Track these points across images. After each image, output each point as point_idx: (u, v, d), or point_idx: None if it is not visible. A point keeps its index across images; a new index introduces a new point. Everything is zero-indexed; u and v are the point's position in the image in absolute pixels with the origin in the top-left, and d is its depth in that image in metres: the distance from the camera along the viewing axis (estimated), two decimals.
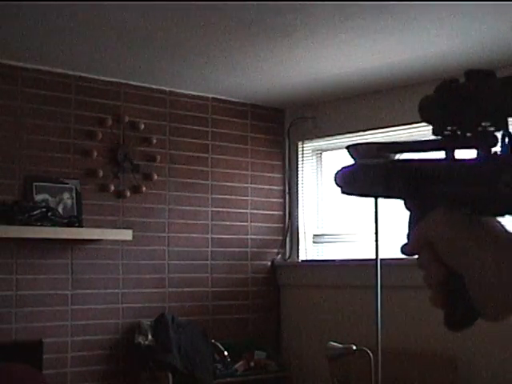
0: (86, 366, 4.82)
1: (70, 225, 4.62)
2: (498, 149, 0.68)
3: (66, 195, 4.77)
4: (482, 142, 0.68)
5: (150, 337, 4.90)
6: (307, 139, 5.85)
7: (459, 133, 0.71)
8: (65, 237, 4.61)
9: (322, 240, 5.78)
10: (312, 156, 5.88)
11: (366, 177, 0.75)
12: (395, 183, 0.75)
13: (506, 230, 0.68)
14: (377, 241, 4.31)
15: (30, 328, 4.60)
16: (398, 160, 0.75)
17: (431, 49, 4.42)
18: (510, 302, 0.66)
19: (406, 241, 0.78)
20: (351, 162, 0.79)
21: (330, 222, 5.71)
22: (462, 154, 0.72)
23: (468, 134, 0.70)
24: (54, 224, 4.53)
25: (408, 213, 0.79)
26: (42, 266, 4.68)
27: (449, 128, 0.71)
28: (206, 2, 3.69)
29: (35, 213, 4.47)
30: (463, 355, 4.60)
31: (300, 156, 5.89)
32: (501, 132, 0.68)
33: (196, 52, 4.51)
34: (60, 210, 4.68)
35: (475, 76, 0.70)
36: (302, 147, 5.90)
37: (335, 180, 0.79)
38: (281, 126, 5.92)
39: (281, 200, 5.87)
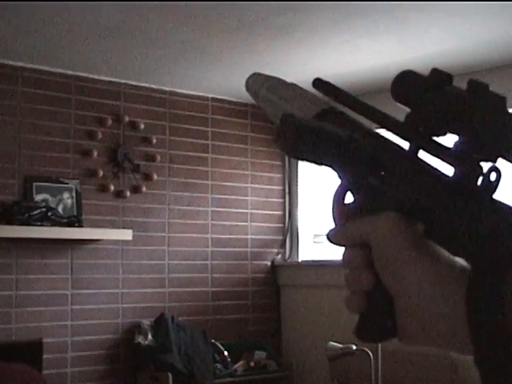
0: (86, 365, 4.82)
1: (70, 225, 4.62)
2: (478, 181, 0.61)
3: (65, 195, 4.77)
4: (465, 168, 0.61)
5: (150, 337, 4.90)
6: None
7: (437, 140, 0.63)
8: (65, 237, 4.61)
9: (322, 240, 5.77)
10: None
11: (319, 144, 0.64)
12: (345, 161, 0.65)
13: (452, 261, 0.62)
14: None
15: (29, 328, 4.60)
16: (356, 137, 0.66)
17: (431, 49, 4.42)
18: (441, 335, 0.61)
19: (333, 223, 0.69)
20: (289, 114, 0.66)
21: (330, 221, 5.70)
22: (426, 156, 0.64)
23: (449, 149, 0.62)
24: (54, 224, 4.53)
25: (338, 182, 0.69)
26: (42, 266, 4.68)
27: (424, 128, 0.64)
28: (206, 2, 3.69)
29: (35, 213, 4.47)
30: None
31: None
32: (488, 164, 0.60)
33: (196, 52, 4.51)
34: (60, 209, 4.68)
35: (484, 95, 0.60)
36: None
37: (289, 144, 0.65)
38: None
39: (281, 200, 5.87)
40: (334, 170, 0.68)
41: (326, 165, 0.66)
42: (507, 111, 0.60)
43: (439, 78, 0.63)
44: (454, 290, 0.60)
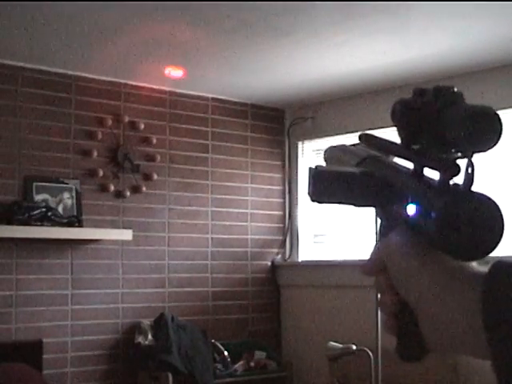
0: (85, 365, 4.82)
1: (70, 225, 4.62)
2: (460, 179, 0.64)
3: (66, 195, 4.77)
4: (444, 170, 0.65)
5: (150, 337, 4.90)
6: (307, 139, 5.85)
7: (427, 151, 0.68)
8: (65, 237, 4.61)
9: (322, 240, 5.77)
10: (312, 156, 5.88)
11: (337, 186, 0.72)
12: (360, 195, 0.72)
13: (462, 265, 0.63)
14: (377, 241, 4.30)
15: (29, 328, 4.60)
16: (368, 171, 0.72)
17: (431, 49, 4.42)
18: (460, 342, 0.62)
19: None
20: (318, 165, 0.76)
21: (330, 221, 5.71)
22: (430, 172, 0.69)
23: (430, 156, 0.67)
24: (54, 224, 4.53)
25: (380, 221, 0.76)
26: (42, 266, 4.68)
27: (417, 143, 0.68)
28: (207, 2, 3.69)
29: (35, 213, 4.47)
30: (463, 356, 4.59)
31: (300, 156, 5.90)
32: (466, 161, 0.64)
33: (196, 52, 4.51)
34: (60, 210, 4.68)
35: (443, 96, 0.65)
36: (302, 147, 5.90)
37: (310, 191, 0.73)
38: (281, 125, 5.92)
39: (281, 200, 5.87)
40: (362, 207, 0.74)
41: (352, 203, 0.73)
42: (462, 104, 0.64)
43: (415, 95, 0.69)
44: (467, 294, 0.61)
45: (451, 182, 0.65)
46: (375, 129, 5.27)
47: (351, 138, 5.41)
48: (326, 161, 0.87)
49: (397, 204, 0.70)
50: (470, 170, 0.64)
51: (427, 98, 0.68)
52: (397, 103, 0.70)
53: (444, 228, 0.62)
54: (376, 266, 0.70)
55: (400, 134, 0.70)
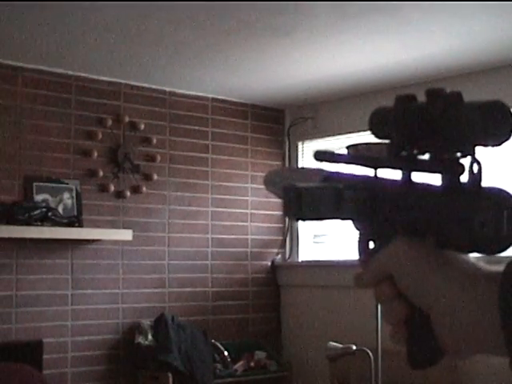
0: (85, 365, 4.82)
1: (70, 225, 4.62)
2: (465, 178, 0.64)
3: (66, 195, 4.77)
4: (449, 171, 0.64)
5: (150, 337, 4.90)
6: (307, 139, 5.85)
7: (419, 156, 0.67)
8: (65, 237, 4.61)
9: (322, 240, 5.77)
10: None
11: (323, 202, 0.70)
12: (347, 208, 0.71)
13: (473, 264, 0.64)
14: None
15: (30, 328, 4.60)
16: (349, 185, 0.71)
17: (431, 49, 4.42)
18: (478, 341, 0.62)
19: (360, 269, 0.72)
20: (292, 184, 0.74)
21: (330, 222, 5.70)
22: (419, 176, 0.68)
23: (431, 159, 0.66)
24: (55, 224, 4.53)
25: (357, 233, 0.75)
26: (42, 266, 4.68)
27: (407, 149, 0.68)
28: (206, 2, 3.69)
29: (35, 213, 4.47)
30: None
31: (300, 156, 5.90)
32: (468, 159, 0.64)
33: (196, 52, 4.51)
34: (60, 210, 4.68)
35: (440, 98, 0.65)
36: (302, 147, 5.90)
37: (294, 211, 0.72)
38: (281, 126, 5.92)
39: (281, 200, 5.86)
40: (343, 220, 0.73)
41: (333, 218, 0.72)
42: (463, 103, 0.64)
43: (403, 101, 0.68)
44: (483, 292, 0.61)
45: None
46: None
47: (351, 138, 5.40)
48: (273, 184, 0.84)
49: (389, 213, 0.69)
50: (476, 167, 0.63)
51: (418, 102, 0.67)
52: (382, 112, 0.70)
53: (469, 227, 0.61)
54: (376, 276, 0.68)
55: (393, 142, 0.69)
